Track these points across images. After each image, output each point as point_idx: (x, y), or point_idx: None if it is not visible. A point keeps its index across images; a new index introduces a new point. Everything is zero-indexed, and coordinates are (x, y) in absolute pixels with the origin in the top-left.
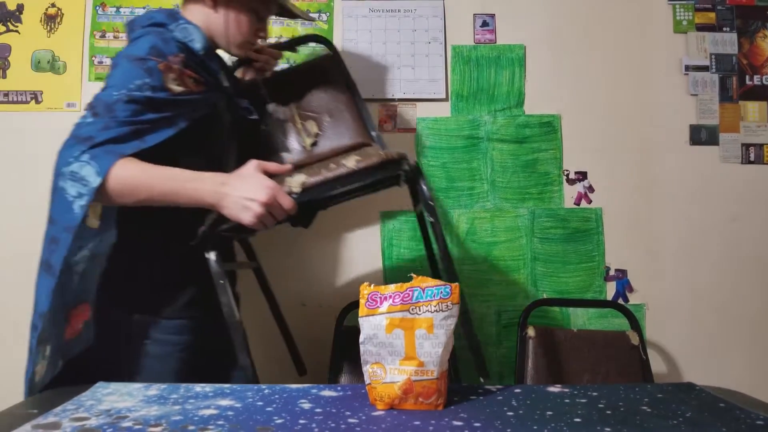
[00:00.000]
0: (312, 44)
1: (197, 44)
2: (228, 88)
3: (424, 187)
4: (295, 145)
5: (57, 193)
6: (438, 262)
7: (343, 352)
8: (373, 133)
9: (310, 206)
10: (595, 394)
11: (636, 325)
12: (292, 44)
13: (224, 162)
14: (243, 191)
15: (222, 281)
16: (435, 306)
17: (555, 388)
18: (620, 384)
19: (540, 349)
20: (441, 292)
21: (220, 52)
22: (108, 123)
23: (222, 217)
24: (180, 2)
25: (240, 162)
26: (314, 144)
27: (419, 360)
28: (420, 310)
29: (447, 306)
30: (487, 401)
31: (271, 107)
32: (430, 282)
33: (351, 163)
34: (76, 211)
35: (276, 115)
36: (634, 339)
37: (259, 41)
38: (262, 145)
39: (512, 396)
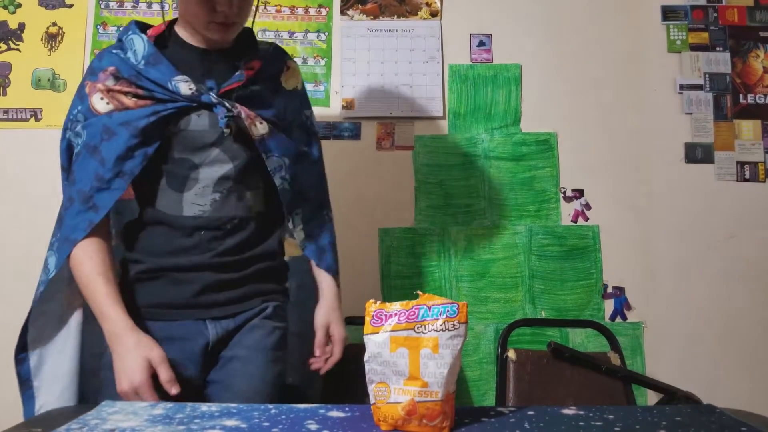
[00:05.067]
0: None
1: (138, 55)
2: (194, 95)
3: None
4: None
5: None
6: None
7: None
8: None
9: None
10: (611, 417)
11: (616, 345)
12: None
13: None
14: (120, 364)
15: None
16: (441, 325)
17: (570, 411)
18: (638, 406)
19: (521, 373)
20: (448, 311)
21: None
22: (70, 193)
23: None
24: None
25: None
26: None
27: (423, 380)
28: (425, 329)
29: (454, 325)
30: (499, 423)
31: None
32: (437, 300)
33: None
34: (40, 290)
35: None
36: (615, 360)
37: (231, 16)
38: None
39: (525, 418)
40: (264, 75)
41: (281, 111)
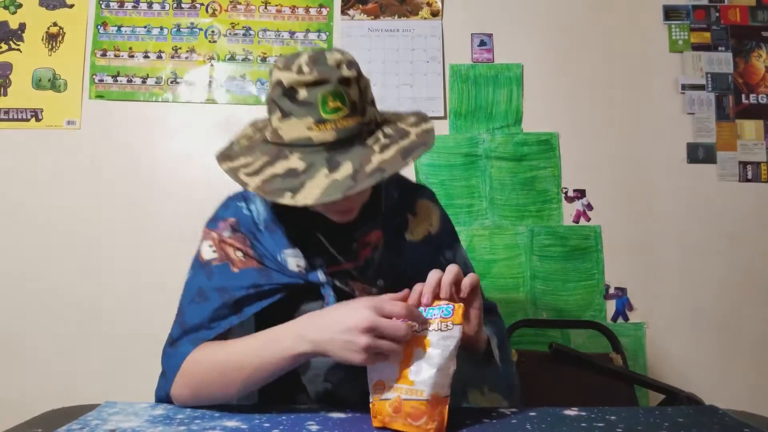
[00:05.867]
0: None
1: (259, 215)
2: (301, 273)
3: None
4: None
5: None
6: None
7: None
8: None
9: None
10: (613, 417)
11: (618, 346)
12: None
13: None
14: (339, 325)
15: None
16: (435, 325)
17: (572, 412)
18: (640, 407)
19: (523, 374)
20: (442, 311)
21: None
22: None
23: None
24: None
25: None
26: None
27: (410, 379)
28: (419, 329)
29: (447, 326)
30: (501, 425)
31: None
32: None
33: None
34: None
35: None
36: (617, 361)
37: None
38: None
39: (526, 419)
40: (384, 241)
41: (405, 270)
